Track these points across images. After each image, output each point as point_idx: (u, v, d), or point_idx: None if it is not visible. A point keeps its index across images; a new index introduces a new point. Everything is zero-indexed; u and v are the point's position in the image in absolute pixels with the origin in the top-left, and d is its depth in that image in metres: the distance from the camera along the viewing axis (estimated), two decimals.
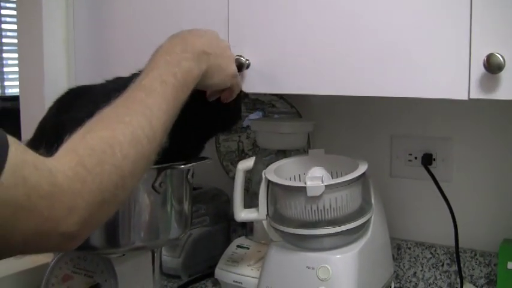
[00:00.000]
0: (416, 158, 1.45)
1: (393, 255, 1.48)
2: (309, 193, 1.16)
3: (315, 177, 1.18)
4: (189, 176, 1.16)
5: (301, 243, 1.24)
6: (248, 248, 1.47)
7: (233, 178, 1.47)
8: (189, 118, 1.06)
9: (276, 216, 1.26)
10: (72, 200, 0.71)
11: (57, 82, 1.52)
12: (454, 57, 1.02)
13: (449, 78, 1.03)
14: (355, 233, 1.24)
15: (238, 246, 1.49)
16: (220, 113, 1.20)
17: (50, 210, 0.69)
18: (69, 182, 0.71)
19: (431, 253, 1.44)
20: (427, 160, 1.43)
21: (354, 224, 1.22)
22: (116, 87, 1.15)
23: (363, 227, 1.25)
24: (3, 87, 4.33)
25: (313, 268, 1.21)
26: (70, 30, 1.55)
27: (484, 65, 0.97)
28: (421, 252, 1.46)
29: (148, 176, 1.09)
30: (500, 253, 1.27)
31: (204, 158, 1.17)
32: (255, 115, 1.64)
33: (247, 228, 1.54)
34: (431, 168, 1.42)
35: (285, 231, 1.23)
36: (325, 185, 1.17)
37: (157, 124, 0.86)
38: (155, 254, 1.28)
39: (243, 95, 1.25)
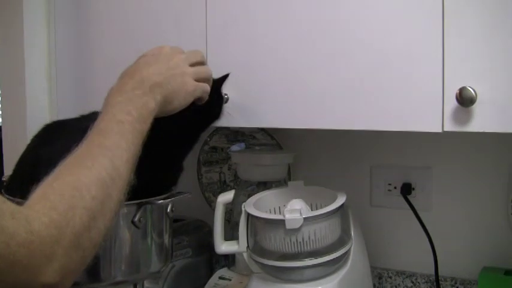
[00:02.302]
0: (395, 187, 1.47)
1: (374, 285, 1.48)
2: (288, 226, 1.17)
3: (294, 210, 1.19)
4: (168, 210, 1.16)
5: (281, 275, 1.24)
6: (230, 280, 1.47)
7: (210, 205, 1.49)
8: (160, 141, 1.07)
9: (256, 248, 1.26)
10: (50, 247, 0.72)
11: (40, 116, 1.52)
12: (428, 91, 1.04)
13: (423, 112, 1.05)
14: (335, 264, 1.25)
15: (220, 277, 1.49)
16: (196, 115, 1.19)
17: (29, 258, 0.69)
18: (46, 229, 0.71)
19: (412, 282, 1.45)
20: (407, 190, 1.44)
21: (333, 255, 1.22)
22: (90, 122, 1.18)
23: (342, 258, 1.26)
24: None
25: None
26: (52, 65, 1.56)
27: (457, 98, 0.99)
28: (402, 281, 1.46)
29: (128, 212, 1.10)
30: (480, 281, 1.28)
31: (182, 193, 1.17)
32: (238, 146, 1.66)
33: (229, 259, 1.54)
34: (410, 197, 1.43)
35: (265, 263, 1.23)
36: (304, 218, 1.17)
37: (120, 163, 0.87)
38: (137, 287, 1.28)
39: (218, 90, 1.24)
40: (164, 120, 1.04)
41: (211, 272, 1.58)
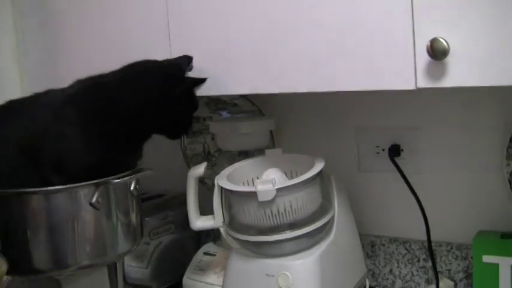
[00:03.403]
0: (383, 149, 1.38)
1: (367, 253, 1.41)
2: (260, 198, 1.10)
3: (266, 181, 1.11)
4: (132, 188, 1.09)
5: (260, 250, 1.17)
6: (214, 255, 1.41)
7: (202, 183, 1.42)
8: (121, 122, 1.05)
9: (233, 223, 1.19)
10: None
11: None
12: (398, 45, 0.95)
13: (394, 68, 0.96)
14: (315, 235, 1.17)
15: (205, 253, 1.43)
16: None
17: None
18: None
19: (406, 249, 1.37)
20: (395, 152, 1.35)
21: (313, 226, 1.15)
22: (45, 99, 1.12)
23: (323, 228, 1.18)
24: None
25: (273, 276, 1.14)
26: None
27: (428, 51, 0.90)
28: (396, 248, 1.39)
29: (87, 193, 1.03)
30: (474, 246, 1.20)
31: (143, 169, 1.10)
32: (224, 115, 1.57)
33: (215, 233, 1.48)
34: (399, 159, 1.35)
35: (242, 239, 1.17)
36: (277, 188, 1.10)
37: None
38: (117, 266, 1.23)
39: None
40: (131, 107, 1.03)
41: (199, 248, 1.52)
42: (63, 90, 1.12)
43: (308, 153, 1.24)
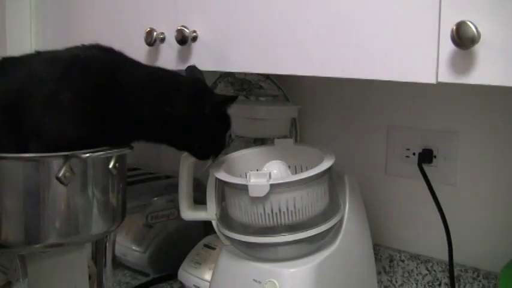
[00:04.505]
0: (414, 153, 1.21)
1: (384, 268, 1.25)
2: (251, 193, 0.96)
3: (260, 174, 0.97)
4: (110, 166, 0.98)
5: (250, 251, 1.04)
6: (214, 249, 1.28)
7: None
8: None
9: (224, 218, 1.06)
10: None
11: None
12: (420, 27, 0.78)
13: (413, 56, 0.79)
14: (317, 240, 1.03)
15: (205, 245, 1.31)
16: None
17: None
18: None
19: (427, 269, 1.20)
20: (427, 157, 1.18)
21: (314, 230, 1.00)
22: (37, 58, 1.01)
23: (327, 234, 1.03)
24: None
25: (259, 282, 1.01)
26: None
27: (453, 37, 0.73)
28: (416, 267, 1.21)
29: (55, 166, 0.92)
30: (501, 278, 1.02)
31: (122, 148, 0.98)
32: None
33: None
34: (431, 167, 1.18)
35: (231, 237, 1.03)
36: (272, 184, 0.95)
37: None
38: (107, 246, 1.12)
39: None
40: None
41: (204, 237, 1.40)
42: (73, 55, 1.00)
43: (332, 148, 1.08)
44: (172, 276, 1.35)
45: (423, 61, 0.78)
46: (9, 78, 0.99)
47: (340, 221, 1.06)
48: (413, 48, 0.79)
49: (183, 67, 1.05)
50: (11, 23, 1.44)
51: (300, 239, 1.00)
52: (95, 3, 1.27)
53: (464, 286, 1.15)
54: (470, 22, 0.71)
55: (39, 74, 0.97)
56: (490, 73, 0.73)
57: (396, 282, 1.24)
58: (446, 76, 0.77)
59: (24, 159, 0.92)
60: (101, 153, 0.94)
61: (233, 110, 1.20)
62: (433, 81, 0.78)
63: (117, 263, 1.40)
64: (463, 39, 0.72)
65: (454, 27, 0.72)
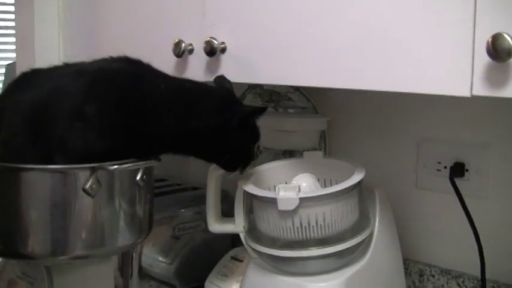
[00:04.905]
0: (445, 167, 1.18)
1: (414, 282, 1.23)
2: (280, 206, 0.95)
3: (289, 187, 0.96)
4: (138, 178, 0.97)
5: (278, 265, 1.03)
6: (242, 261, 1.27)
7: None
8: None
9: (252, 231, 1.05)
10: None
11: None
12: (453, 40, 0.77)
13: (446, 68, 0.78)
14: (347, 255, 1.01)
15: (232, 257, 1.29)
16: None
17: None
18: None
19: (458, 284, 1.17)
20: (458, 171, 1.16)
21: (344, 245, 0.99)
22: (65, 71, 1.02)
23: (357, 248, 1.02)
24: None
25: None
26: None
27: (488, 49, 0.71)
28: (447, 282, 1.19)
29: (81, 178, 0.92)
30: None
31: (150, 160, 0.97)
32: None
33: None
34: (463, 180, 1.15)
35: (259, 250, 1.02)
36: (302, 198, 0.94)
37: None
38: (133, 257, 1.12)
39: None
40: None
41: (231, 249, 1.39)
42: (100, 67, 1.00)
43: (362, 161, 1.07)
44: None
45: (457, 74, 0.76)
46: (36, 90, 1.00)
47: (370, 235, 1.04)
48: (447, 61, 0.78)
49: (211, 79, 1.05)
50: (39, 32, 1.45)
51: (329, 254, 0.99)
52: (124, 13, 1.27)
53: None
54: (507, 34, 0.70)
55: (66, 87, 0.97)
56: None
57: None
58: (481, 89, 0.75)
59: (51, 171, 0.93)
60: (128, 165, 0.94)
61: (261, 122, 1.19)
62: (467, 94, 0.76)
63: (144, 274, 1.39)
64: (499, 52, 0.70)
65: (490, 39, 0.71)
